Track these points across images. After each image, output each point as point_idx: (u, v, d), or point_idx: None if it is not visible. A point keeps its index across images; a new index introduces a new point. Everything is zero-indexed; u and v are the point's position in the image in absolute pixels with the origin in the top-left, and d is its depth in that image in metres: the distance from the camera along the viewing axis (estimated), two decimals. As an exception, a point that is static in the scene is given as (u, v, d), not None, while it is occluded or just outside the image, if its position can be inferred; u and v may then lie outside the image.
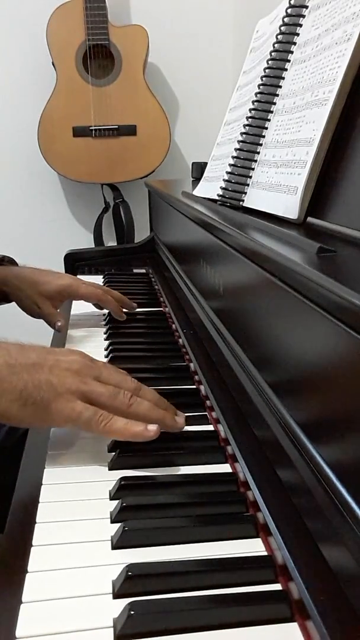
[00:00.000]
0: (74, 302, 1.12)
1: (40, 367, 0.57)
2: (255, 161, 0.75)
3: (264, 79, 0.76)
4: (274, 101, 0.74)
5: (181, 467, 0.57)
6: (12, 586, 0.43)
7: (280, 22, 0.76)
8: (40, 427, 0.59)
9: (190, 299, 0.95)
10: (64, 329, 0.97)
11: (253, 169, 0.75)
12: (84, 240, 2.24)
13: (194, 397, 0.72)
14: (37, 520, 0.50)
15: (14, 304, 1.03)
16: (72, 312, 1.10)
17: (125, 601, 0.40)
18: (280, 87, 0.74)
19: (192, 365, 0.80)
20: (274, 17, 0.86)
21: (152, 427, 0.57)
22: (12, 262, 1.06)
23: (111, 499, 0.53)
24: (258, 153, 0.75)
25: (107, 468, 0.57)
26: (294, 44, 0.73)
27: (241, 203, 0.76)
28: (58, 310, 1.00)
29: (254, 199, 0.73)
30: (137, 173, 2.08)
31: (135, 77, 2.03)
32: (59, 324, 0.96)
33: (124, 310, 1.03)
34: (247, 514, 0.50)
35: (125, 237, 2.16)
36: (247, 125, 0.76)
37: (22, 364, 0.57)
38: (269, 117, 0.75)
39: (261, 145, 0.75)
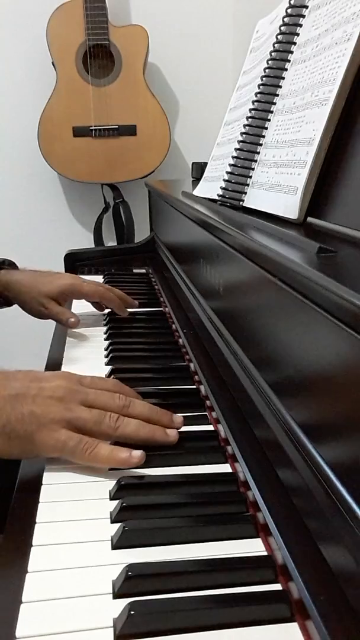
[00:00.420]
0: (75, 302, 1.12)
1: (24, 397, 0.56)
2: (255, 161, 0.75)
3: (264, 79, 0.76)
4: (274, 101, 0.74)
5: (181, 467, 0.57)
6: (12, 586, 0.43)
7: (280, 22, 0.76)
8: (29, 459, 0.59)
9: (190, 299, 0.95)
10: (76, 324, 0.96)
11: (253, 169, 0.75)
12: (84, 240, 2.24)
13: (194, 397, 0.72)
14: (37, 520, 0.50)
15: (14, 306, 1.03)
16: (73, 310, 1.10)
17: (125, 601, 0.40)
18: (280, 87, 0.74)
19: (192, 365, 0.80)
20: (274, 17, 0.86)
21: (136, 454, 0.56)
22: (12, 265, 1.06)
23: (111, 499, 0.53)
24: (258, 153, 0.75)
25: (107, 468, 0.57)
26: (294, 44, 0.73)
27: (241, 203, 0.76)
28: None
29: (254, 199, 0.73)
30: (137, 173, 2.07)
31: (135, 77, 2.03)
32: (72, 319, 0.96)
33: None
34: (247, 514, 0.50)
35: (125, 237, 2.16)
36: (247, 125, 0.76)
37: (5, 396, 0.56)
38: (269, 117, 0.75)
39: (261, 145, 0.75)
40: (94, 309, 1.07)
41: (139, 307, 1.08)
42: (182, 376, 0.78)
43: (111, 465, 0.56)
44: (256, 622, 0.39)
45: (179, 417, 0.63)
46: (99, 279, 1.36)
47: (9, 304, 1.03)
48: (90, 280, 1.04)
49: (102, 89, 2.02)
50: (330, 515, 0.41)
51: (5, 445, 0.55)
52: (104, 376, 0.78)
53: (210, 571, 0.43)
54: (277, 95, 0.74)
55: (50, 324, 1.03)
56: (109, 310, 1.05)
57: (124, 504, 0.50)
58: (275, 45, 0.75)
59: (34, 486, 0.55)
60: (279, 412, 0.52)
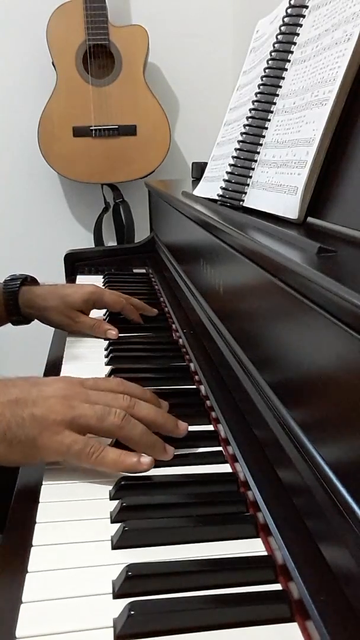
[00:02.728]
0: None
1: (24, 402, 0.55)
2: (255, 161, 0.75)
3: (264, 79, 0.76)
4: (274, 101, 0.74)
5: (181, 467, 0.57)
6: (12, 586, 0.43)
7: (280, 22, 0.76)
8: (32, 465, 0.57)
9: (190, 299, 0.95)
10: (116, 336, 0.94)
11: (253, 169, 0.75)
12: (84, 240, 2.23)
13: (194, 397, 0.72)
14: (37, 520, 0.50)
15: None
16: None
17: (125, 601, 0.40)
18: (280, 87, 0.74)
19: (192, 365, 0.80)
20: (274, 17, 0.86)
21: (146, 460, 0.54)
22: (34, 281, 1.03)
23: (111, 499, 0.53)
24: (258, 153, 0.75)
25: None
26: (294, 44, 0.73)
27: (241, 203, 0.76)
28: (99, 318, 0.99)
29: (254, 199, 0.73)
30: (137, 173, 2.07)
31: (135, 77, 2.03)
32: (112, 332, 0.94)
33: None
34: (247, 514, 0.50)
35: (125, 237, 2.16)
36: (247, 125, 0.76)
37: (4, 402, 0.55)
38: (269, 117, 0.75)
39: (261, 145, 0.75)
40: (97, 312, 1.07)
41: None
42: (182, 376, 0.78)
43: (118, 471, 0.55)
44: (256, 622, 0.39)
45: (184, 424, 0.61)
46: (99, 279, 1.36)
47: (28, 321, 1.01)
48: (112, 291, 1.03)
49: (102, 89, 2.02)
50: (330, 515, 0.41)
51: (7, 452, 0.53)
52: (104, 376, 0.78)
53: (210, 571, 0.43)
54: (277, 95, 0.74)
55: (49, 327, 1.02)
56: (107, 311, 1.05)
57: (124, 504, 0.50)
58: (275, 45, 0.75)
59: (34, 486, 0.55)
60: (279, 412, 0.52)
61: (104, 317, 1.04)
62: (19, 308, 0.98)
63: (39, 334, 1.08)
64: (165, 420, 0.60)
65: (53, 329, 1.03)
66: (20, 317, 0.99)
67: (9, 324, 1.01)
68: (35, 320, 1.01)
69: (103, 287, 1.03)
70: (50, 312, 0.97)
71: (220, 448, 0.60)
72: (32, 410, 0.54)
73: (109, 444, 0.57)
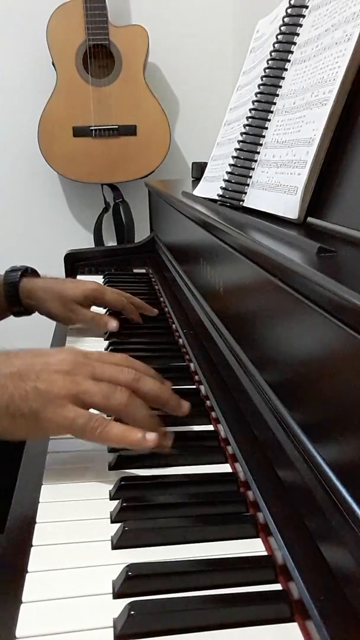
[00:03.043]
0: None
1: (27, 374, 0.54)
2: (255, 161, 0.75)
3: (264, 79, 0.76)
4: (274, 101, 0.74)
5: (181, 467, 0.57)
6: (12, 586, 0.43)
7: (280, 22, 0.76)
8: (36, 439, 0.56)
9: (190, 299, 0.95)
10: (117, 328, 0.94)
11: (253, 169, 0.75)
12: (84, 240, 2.24)
13: (194, 397, 0.72)
14: (37, 520, 0.50)
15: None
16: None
17: (125, 601, 0.40)
18: (280, 87, 0.74)
19: (192, 365, 0.80)
20: (274, 17, 0.86)
21: (151, 436, 0.54)
22: (34, 272, 1.03)
23: (111, 499, 0.53)
24: (258, 153, 0.75)
25: (107, 468, 0.57)
26: (294, 44, 0.73)
27: (241, 203, 0.76)
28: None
29: (254, 199, 0.73)
30: (137, 173, 2.08)
31: (135, 77, 2.03)
32: (113, 324, 0.94)
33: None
34: (247, 514, 0.50)
35: (125, 237, 2.16)
36: (247, 125, 0.76)
37: (6, 374, 0.54)
38: (269, 117, 0.75)
39: (261, 145, 0.75)
40: (95, 308, 1.07)
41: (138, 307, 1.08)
42: (182, 376, 0.78)
43: (122, 445, 0.54)
44: (256, 622, 0.39)
45: (186, 403, 0.61)
46: (99, 279, 1.36)
47: (29, 312, 1.01)
48: (113, 289, 1.03)
49: (102, 89, 2.02)
50: (330, 515, 0.41)
51: (10, 425, 0.52)
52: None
53: (210, 571, 0.43)
54: (277, 95, 0.74)
55: (50, 324, 1.02)
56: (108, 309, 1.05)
57: (124, 504, 0.50)
58: (275, 45, 0.75)
59: (33, 486, 0.55)
60: (279, 412, 0.52)
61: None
62: (19, 299, 0.98)
63: (39, 333, 1.08)
64: (169, 396, 0.59)
65: (54, 327, 1.03)
66: (21, 308, 0.99)
67: (11, 319, 1.01)
68: (36, 315, 1.01)
69: (104, 285, 1.03)
70: (51, 304, 0.97)
71: (220, 448, 0.60)
72: (35, 384, 0.53)
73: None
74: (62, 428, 0.53)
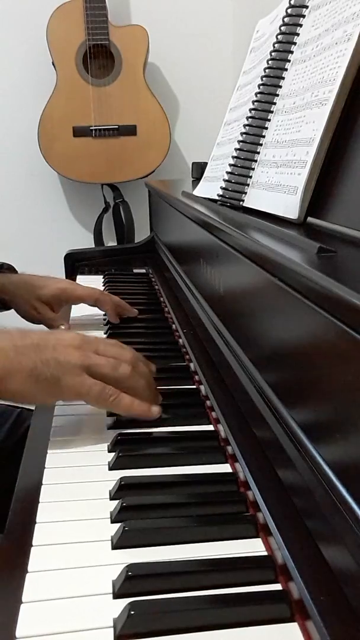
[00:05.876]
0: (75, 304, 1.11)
1: (45, 347, 0.60)
2: (255, 161, 0.75)
3: (264, 79, 0.76)
4: (274, 101, 0.74)
5: (181, 467, 0.57)
6: (12, 586, 0.43)
7: (280, 22, 0.76)
8: (51, 403, 0.63)
9: (190, 299, 0.95)
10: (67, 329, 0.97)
11: (253, 169, 0.75)
12: (84, 240, 2.24)
13: (194, 397, 0.72)
14: (37, 520, 0.50)
15: (13, 311, 1.03)
16: (72, 314, 1.10)
17: (125, 601, 0.40)
18: (280, 87, 0.74)
19: (192, 365, 0.80)
20: (274, 17, 0.86)
21: (156, 409, 0.62)
22: (11, 269, 1.06)
23: (111, 499, 0.53)
24: (258, 153, 0.75)
25: (107, 468, 0.57)
26: (294, 44, 0.73)
27: (241, 203, 0.76)
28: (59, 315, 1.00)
29: (254, 199, 0.73)
30: (137, 173, 2.08)
31: (135, 77, 2.03)
32: (62, 327, 0.97)
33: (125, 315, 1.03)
34: (247, 514, 0.50)
35: (125, 237, 2.16)
36: (247, 125, 0.76)
37: (27, 345, 0.59)
38: (269, 117, 0.75)
39: (261, 145, 0.75)
40: (95, 310, 1.07)
41: (139, 307, 1.08)
42: (182, 376, 0.78)
43: (131, 415, 0.62)
44: (256, 622, 0.39)
45: (158, 409, 0.64)
46: (99, 279, 1.36)
47: (7, 308, 1.02)
48: (88, 286, 1.03)
49: (102, 89, 2.02)
50: (330, 515, 0.41)
51: (33, 387, 0.58)
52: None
53: (210, 571, 0.43)
54: (277, 95, 0.74)
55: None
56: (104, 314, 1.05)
57: (124, 504, 0.50)
58: (276, 45, 0.75)
59: (34, 486, 0.55)
60: (279, 412, 0.52)
61: (105, 323, 1.04)
62: None
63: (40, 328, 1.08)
64: (155, 393, 0.66)
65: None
66: None
67: (11, 320, 1.02)
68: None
69: (77, 283, 1.04)
70: (19, 301, 1.00)
71: (220, 448, 0.60)
72: (53, 355, 0.59)
73: (108, 444, 0.60)
74: (79, 394, 0.60)
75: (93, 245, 2.20)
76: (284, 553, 0.42)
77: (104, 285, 1.29)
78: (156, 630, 0.38)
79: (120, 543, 0.46)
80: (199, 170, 1.30)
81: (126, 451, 0.59)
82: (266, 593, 0.41)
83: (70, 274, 1.44)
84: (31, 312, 0.99)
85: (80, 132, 2.02)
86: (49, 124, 2.03)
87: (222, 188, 0.79)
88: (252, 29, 0.95)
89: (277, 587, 0.42)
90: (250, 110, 0.77)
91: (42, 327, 1.01)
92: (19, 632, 0.39)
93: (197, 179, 1.14)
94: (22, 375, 0.57)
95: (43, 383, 0.58)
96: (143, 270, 1.45)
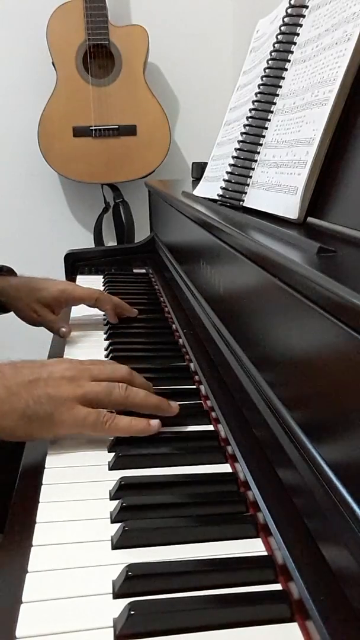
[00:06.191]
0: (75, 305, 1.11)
1: (36, 382, 0.59)
2: (255, 161, 0.75)
3: (264, 79, 0.76)
4: (274, 101, 0.74)
5: (181, 467, 0.57)
6: (12, 586, 0.43)
7: (280, 22, 0.76)
8: (50, 439, 0.61)
9: (190, 299, 0.95)
10: (68, 334, 0.96)
11: (253, 169, 0.75)
12: (84, 240, 2.24)
13: (194, 397, 0.72)
14: (37, 520, 0.50)
15: (12, 314, 1.03)
16: (72, 314, 1.10)
17: (125, 601, 0.40)
18: (280, 87, 0.74)
19: (192, 365, 0.80)
20: (274, 17, 0.86)
21: (155, 422, 0.60)
22: (10, 272, 1.06)
23: (111, 499, 0.53)
24: (258, 153, 0.75)
25: (107, 468, 0.57)
26: (294, 44, 0.73)
27: (241, 203, 0.76)
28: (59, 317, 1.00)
29: (254, 199, 0.73)
30: (137, 173, 2.08)
31: (135, 77, 2.03)
32: (63, 329, 0.96)
33: (125, 315, 1.03)
34: (247, 514, 0.50)
35: (125, 237, 2.16)
36: (247, 125, 0.76)
37: (19, 383, 0.58)
38: (269, 117, 0.75)
39: (261, 145, 0.75)
40: (95, 310, 1.07)
41: (139, 307, 1.08)
42: (182, 376, 0.78)
43: (131, 434, 0.60)
44: (256, 622, 0.39)
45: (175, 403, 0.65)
46: (99, 279, 1.36)
47: (6, 311, 1.02)
48: (87, 287, 1.03)
49: (102, 89, 2.02)
50: (330, 515, 0.41)
51: (27, 428, 0.57)
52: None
53: (210, 571, 0.43)
54: (277, 95, 0.74)
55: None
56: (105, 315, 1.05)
57: (124, 504, 0.50)
58: (276, 45, 0.75)
59: (34, 486, 0.55)
60: (279, 412, 0.52)
61: (105, 323, 1.04)
62: None
63: (40, 333, 1.08)
64: (151, 392, 0.64)
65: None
66: None
67: (12, 322, 1.02)
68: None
69: (76, 284, 1.04)
70: (18, 303, 0.99)
71: (220, 448, 0.60)
72: (45, 390, 0.58)
73: (108, 445, 0.60)
74: (75, 427, 0.58)
75: (93, 245, 2.20)
76: (284, 553, 0.42)
77: (104, 285, 1.29)
78: (156, 630, 0.38)
79: (120, 543, 0.46)
80: (199, 170, 1.30)
81: (126, 451, 0.59)
82: (266, 593, 0.41)
83: (70, 274, 1.44)
84: (31, 315, 0.98)
85: (80, 132, 2.02)
86: (49, 123, 2.03)
87: (222, 188, 0.79)
88: (252, 29, 0.95)
89: (277, 587, 0.42)
90: (250, 110, 0.77)
91: (40, 328, 1.01)
92: (19, 632, 0.39)
93: (197, 179, 1.15)
94: (14, 416, 0.57)
95: (36, 423, 0.57)
96: (143, 270, 1.45)
